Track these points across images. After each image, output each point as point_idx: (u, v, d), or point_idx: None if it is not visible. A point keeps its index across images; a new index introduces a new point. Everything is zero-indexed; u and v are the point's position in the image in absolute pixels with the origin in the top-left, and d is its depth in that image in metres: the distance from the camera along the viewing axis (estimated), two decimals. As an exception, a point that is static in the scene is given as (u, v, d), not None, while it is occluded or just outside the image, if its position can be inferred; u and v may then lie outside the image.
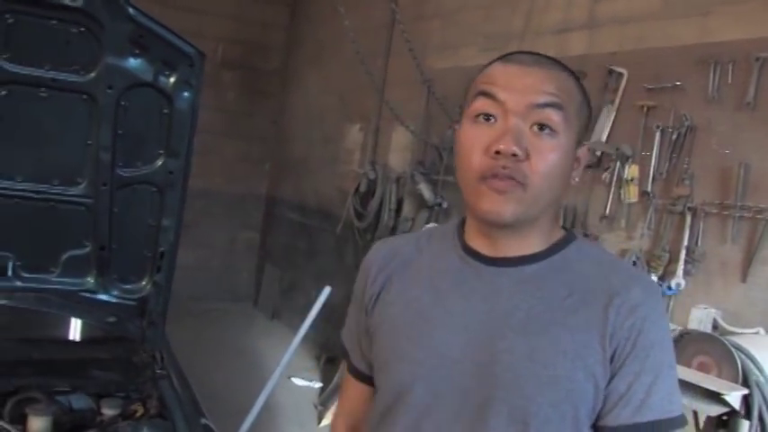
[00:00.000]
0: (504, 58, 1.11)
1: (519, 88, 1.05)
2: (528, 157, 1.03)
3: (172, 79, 2.07)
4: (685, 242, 2.86)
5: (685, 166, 2.90)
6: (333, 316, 5.52)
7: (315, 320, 4.69)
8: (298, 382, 5.15)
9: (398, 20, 4.07)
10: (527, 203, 1.05)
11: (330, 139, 6.11)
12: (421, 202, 4.44)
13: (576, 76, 1.12)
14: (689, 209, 2.87)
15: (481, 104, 1.07)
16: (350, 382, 1.34)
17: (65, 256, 2.27)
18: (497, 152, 1.03)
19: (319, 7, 4.13)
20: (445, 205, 4.25)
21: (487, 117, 1.06)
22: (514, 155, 1.02)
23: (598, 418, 1.05)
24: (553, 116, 1.05)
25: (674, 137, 2.95)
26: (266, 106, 7.21)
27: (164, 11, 6.31)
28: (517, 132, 1.03)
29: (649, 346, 1.04)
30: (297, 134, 6.85)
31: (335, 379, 4.84)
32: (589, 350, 1.03)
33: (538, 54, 1.11)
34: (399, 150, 5.00)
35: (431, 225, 4.07)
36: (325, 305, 4.37)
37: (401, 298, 1.19)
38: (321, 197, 6.18)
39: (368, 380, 1.28)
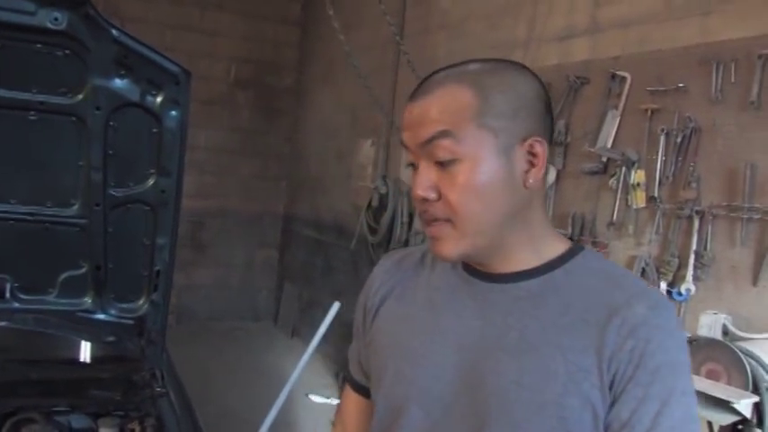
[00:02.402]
0: (412, 93, 1.06)
1: (412, 127, 1.02)
2: (440, 195, 1.00)
3: (159, 98, 2.08)
4: (694, 246, 2.80)
5: (691, 168, 2.85)
6: (350, 332, 5.51)
7: (331, 337, 4.67)
8: (315, 398, 5.13)
9: (396, 33, 4.05)
10: (465, 237, 1.01)
11: (343, 154, 6.12)
12: (432, 215, 4.41)
13: (481, 73, 1.02)
14: (696, 212, 2.81)
15: (405, 154, 1.06)
16: (347, 391, 1.32)
17: (62, 277, 2.29)
18: (416, 199, 1.02)
19: (329, 26, 4.16)
20: (455, 217, 4.22)
21: (412, 164, 1.04)
22: (425, 199, 1.01)
23: None
24: (443, 146, 0.99)
25: (679, 139, 2.90)
26: (281, 124, 7.27)
27: (176, 33, 6.47)
28: (424, 175, 1.01)
29: (654, 370, 0.93)
30: (311, 151, 6.88)
31: (353, 395, 4.80)
32: (584, 374, 0.94)
33: (440, 71, 1.05)
34: (410, 164, 4.98)
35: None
36: (341, 321, 4.36)
37: (398, 313, 1.16)
38: (336, 213, 6.19)
39: (363, 391, 1.27)
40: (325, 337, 3.48)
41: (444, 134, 0.98)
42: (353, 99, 5.72)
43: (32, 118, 2.04)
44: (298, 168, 7.17)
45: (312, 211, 6.75)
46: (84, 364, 2.49)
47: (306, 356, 3.41)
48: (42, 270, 2.28)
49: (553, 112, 1.08)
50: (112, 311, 2.36)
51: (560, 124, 3.46)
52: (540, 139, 1.01)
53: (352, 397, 1.29)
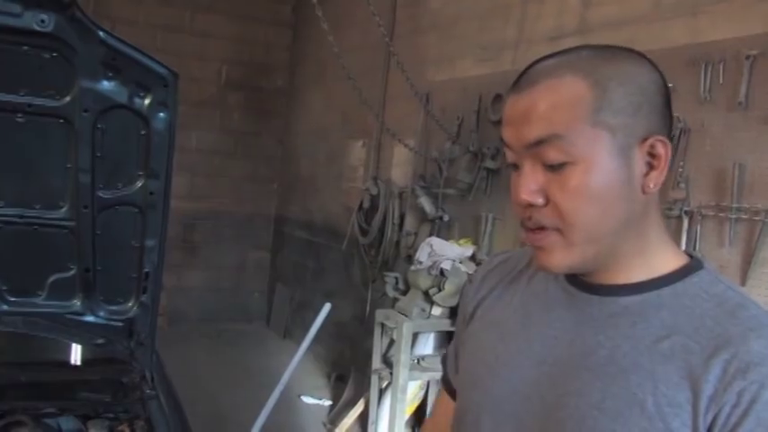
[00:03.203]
0: (515, 82, 0.94)
1: (515, 123, 0.90)
2: (547, 200, 0.89)
3: (147, 101, 2.07)
4: (683, 247, 2.81)
5: (680, 169, 2.86)
6: (342, 333, 5.52)
7: (323, 338, 4.65)
8: (307, 400, 5.13)
9: (385, 34, 4.06)
10: (574, 247, 0.90)
11: (334, 156, 6.13)
12: (423, 216, 4.42)
13: (597, 62, 0.90)
14: (685, 212, 2.82)
15: (505, 151, 0.95)
16: (441, 394, 1.24)
17: (50, 280, 2.27)
18: (519, 204, 0.92)
19: (320, 27, 4.15)
20: (446, 218, 4.23)
21: (513, 165, 0.93)
22: (531, 205, 0.90)
23: None
24: (551, 151, 0.88)
25: (668, 140, 2.91)
26: (272, 126, 7.27)
27: (167, 35, 6.47)
28: (530, 177, 0.90)
29: None
30: (302, 152, 6.88)
31: (344, 396, 4.82)
32: (675, 409, 0.82)
33: (547, 58, 0.93)
34: (401, 165, 5.00)
35: (433, 238, 4.05)
36: (332, 322, 4.35)
37: (492, 318, 1.08)
38: (327, 215, 6.19)
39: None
40: (316, 338, 3.47)
41: (555, 136, 0.87)
42: (344, 100, 5.73)
43: (20, 120, 2.02)
44: (289, 170, 7.17)
45: (304, 213, 6.76)
46: (74, 366, 2.48)
47: (297, 357, 3.39)
48: (31, 272, 2.26)
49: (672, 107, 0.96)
50: (101, 313, 2.34)
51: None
52: (662, 138, 0.90)
53: (446, 402, 1.20)
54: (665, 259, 0.94)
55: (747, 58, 2.64)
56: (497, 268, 1.14)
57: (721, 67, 2.74)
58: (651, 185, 0.90)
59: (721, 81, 2.74)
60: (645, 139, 0.89)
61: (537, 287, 1.03)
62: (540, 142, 0.87)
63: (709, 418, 0.81)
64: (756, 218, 2.59)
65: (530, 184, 0.89)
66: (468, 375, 1.07)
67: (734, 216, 2.65)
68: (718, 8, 2.80)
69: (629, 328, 0.90)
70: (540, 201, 0.89)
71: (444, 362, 1.24)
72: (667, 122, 0.92)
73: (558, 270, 0.94)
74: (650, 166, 0.90)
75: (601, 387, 0.88)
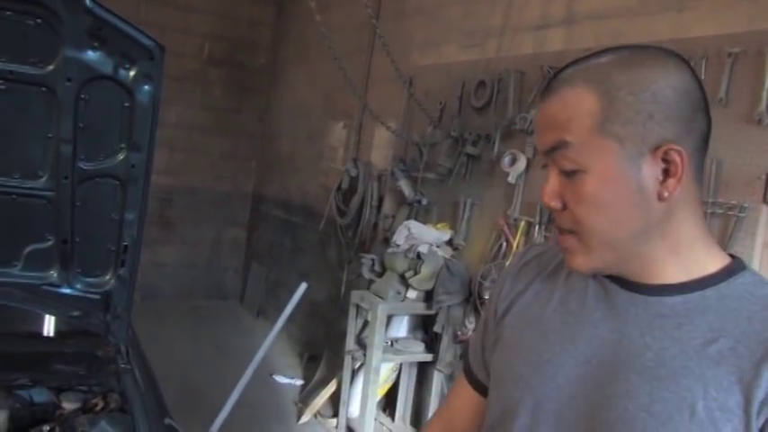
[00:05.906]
0: (544, 87, 0.98)
1: (538, 130, 0.96)
2: (565, 205, 0.94)
3: (132, 72, 2.05)
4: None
5: (659, 162, 2.89)
6: (317, 313, 5.53)
7: (297, 318, 4.65)
8: (280, 379, 5.14)
9: (372, 16, 4.04)
10: (591, 252, 0.94)
11: (315, 136, 6.11)
12: (401, 199, 4.43)
13: (611, 70, 0.91)
14: (662, 206, 2.86)
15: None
16: (461, 384, 1.24)
17: (27, 250, 2.25)
18: (545, 206, 0.98)
19: (305, 6, 4.12)
20: (425, 202, 4.25)
21: (545, 166, 0.98)
22: (554, 209, 0.96)
23: None
24: (564, 156, 0.92)
25: (649, 133, 2.94)
26: (253, 103, 7.22)
27: (150, 7, 6.37)
28: (550, 182, 0.95)
29: None
30: (283, 131, 6.85)
31: (317, 376, 4.84)
32: (726, 414, 0.83)
33: (571, 65, 0.95)
34: (381, 147, 5.00)
35: (411, 222, 4.07)
36: (306, 302, 4.36)
37: (531, 314, 1.07)
38: (305, 194, 6.18)
39: (480, 388, 1.18)
40: (291, 317, 3.48)
41: (564, 144, 0.91)
42: (327, 80, 5.71)
43: (1, 87, 2.00)
44: (268, 148, 7.14)
45: (281, 192, 6.74)
46: (48, 338, 2.47)
47: (271, 336, 3.41)
48: (7, 242, 2.23)
49: (709, 109, 0.95)
50: (78, 286, 2.33)
51: (533, 113, 3.49)
52: (676, 147, 0.88)
53: (467, 393, 1.21)
54: (704, 259, 0.94)
55: (729, 55, 2.67)
56: (533, 262, 1.14)
57: (704, 63, 2.77)
58: (666, 193, 0.89)
59: (703, 77, 2.77)
60: (657, 148, 0.89)
61: (576, 284, 1.03)
62: (553, 149, 0.93)
63: (761, 421, 0.82)
64: (731, 213, 2.63)
65: (549, 189, 0.94)
66: (509, 372, 1.05)
67: (710, 211, 2.68)
68: (703, 4, 2.83)
69: (675, 329, 0.90)
70: (558, 205, 0.94)
71: (466, 352, 1.26)
72: (695, 128, 0.91)
73: (581, 272, 0.97)
74: (667, 173, 0.89)
75: (650, 390, 0.88)
